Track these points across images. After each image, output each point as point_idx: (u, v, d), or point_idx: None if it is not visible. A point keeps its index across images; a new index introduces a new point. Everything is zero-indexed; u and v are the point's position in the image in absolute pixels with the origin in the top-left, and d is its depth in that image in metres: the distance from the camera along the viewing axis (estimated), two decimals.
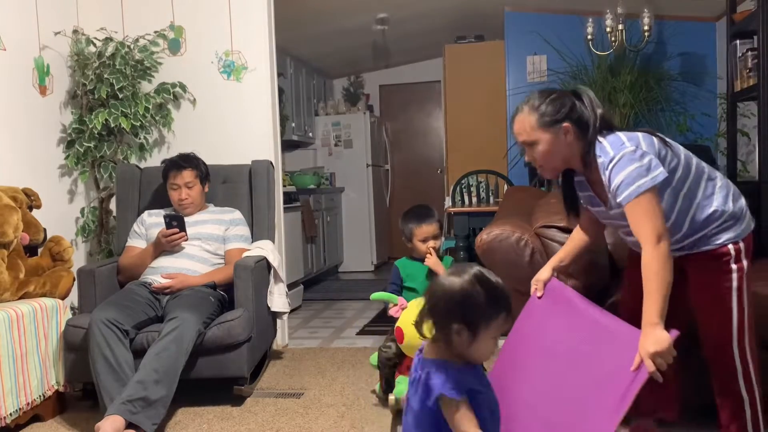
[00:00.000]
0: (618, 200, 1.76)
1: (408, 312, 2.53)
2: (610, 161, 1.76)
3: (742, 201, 1.90)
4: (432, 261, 2.77)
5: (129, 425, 2.37)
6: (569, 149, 1.86)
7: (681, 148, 1.87)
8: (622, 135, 1.79)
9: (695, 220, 1.85)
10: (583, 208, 2.06)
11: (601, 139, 1.82)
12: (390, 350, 2.65)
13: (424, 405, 1.42)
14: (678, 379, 2.05)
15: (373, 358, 2.81)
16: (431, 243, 2.78)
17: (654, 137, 1.82)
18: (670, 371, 1.83)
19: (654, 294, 1.69)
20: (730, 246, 1.84)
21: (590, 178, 1.93)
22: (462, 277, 1.43)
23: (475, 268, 1.46)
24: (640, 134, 1.80)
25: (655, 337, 1.64)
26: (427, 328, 1.46)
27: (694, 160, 1.88)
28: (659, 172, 1.73)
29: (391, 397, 2.55)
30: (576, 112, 1.84)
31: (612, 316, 1.86)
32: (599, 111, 1.86)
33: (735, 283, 1.85)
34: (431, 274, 2.78)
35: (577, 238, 2.13)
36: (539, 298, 2.05)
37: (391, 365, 2.66)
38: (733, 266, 1.85)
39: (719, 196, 1.86)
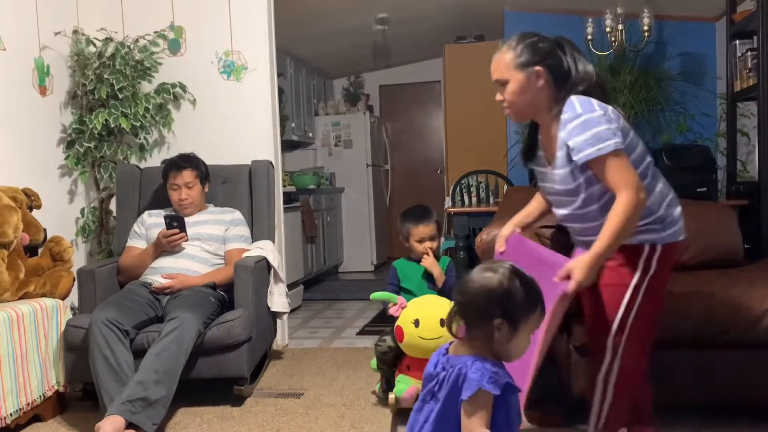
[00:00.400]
0: (576, 157, 1.74)
1: (408, 311, 2.53)
2: (576, 117, 1.75)
3: (678, 211, 1.87)
4: (428, 262, 2.77)
5: (129, 425, 2.37)
6: (538, 95, 1.83)
7: (641, 141, 1.88)
8: (594, 101, 1.77)
9: None
10: None
11: (573, 97, 1.79)
12: (384, 344, 2.65)
13: (454, 401, 1.39)
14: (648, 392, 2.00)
15: (374, 362, 2.82)
16: (428, 244, 2.78)
17: (621, 116, 1.82)
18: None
19: (612, 233, 1.70)
20: (647, 246, 1.82)
21: (546, 134, 1.91)
22: (498, 273, 1.42)
23: (507, 264, 1.46)
24: (610, 107, 1.79)
25: (589, 263, 1.69)
26: (456, 326, 1.45)
27: (649, 157, 1.88)
28: (620, 139, 1.74)
29: (391, 396, 2.55)
30: (553, 60, 1.82)
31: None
32: (583, 68, 1.83)
33: (635, 281, 1.82)
34: (427, 275, 2.78)
35: (540, 199, 2.12)
36: (501, 253, 2.04)
37: (387, 360, 2.66)
38: (641, 265, 1.82)
39: (657, 196, 1.84)
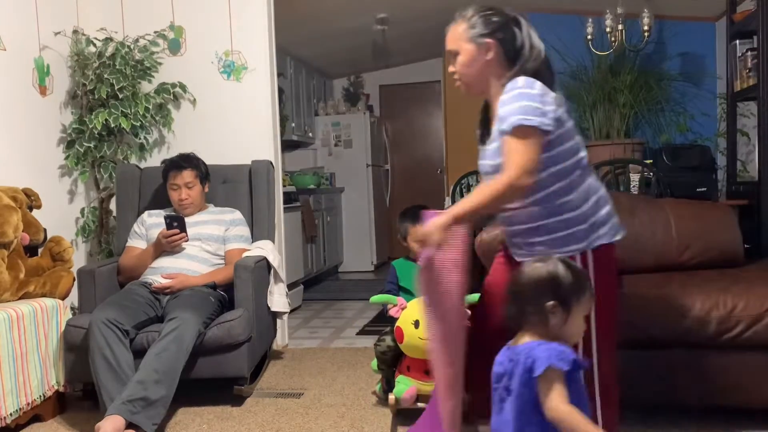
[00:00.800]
0: (500, 127, 1.70)
1: (408, 312, 2.53)
2: (513, 89, 1.70)
3: (606, 210, 1.79)
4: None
5: (129, 425, 2.37)
6: (486, 68, 1.80)
7: (578, 136, 1.80)
8: (539, 83, 1.72)
9: (550, 200, 1.75)
10: None
11: (521, 76, 1.73)
12: (384, 344, 2.65)
13: (529, 386, 1.44)
14: None
15: (374, 363, 2.81)
16: None
17: (563, 105, 1.77)
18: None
19: (475, 200, 1.69)
20: (577, 256, 1.73)
21: (494, 111, 1.83)
22: (546, 263, 1.52)
23: (555, 256, 1.56)
24: (554, 93, 1.74)
25: (438, 228, 1.68)
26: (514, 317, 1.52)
27: (582, 153, 1.79)
28: (549, 122, 1.67)
29: (392, 397, 2.55)
30: (505, 34, 1.78)
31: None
32: (538, 47, 1.79)
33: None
34: (408, 273, 2.79)
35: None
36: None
37: (386, 360, 2.66)
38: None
39: (581, 193, 1.76)
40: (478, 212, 1.72)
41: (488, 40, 1.78)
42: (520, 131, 1.65)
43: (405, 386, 2.51)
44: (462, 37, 1.81)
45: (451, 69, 1.87)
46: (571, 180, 1.75)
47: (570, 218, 1.75)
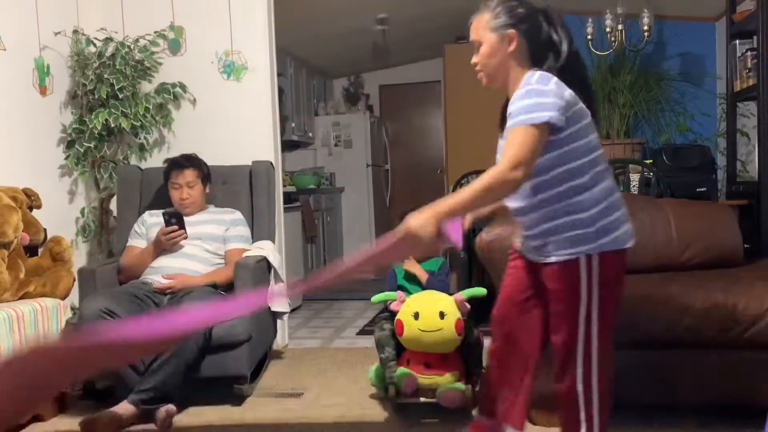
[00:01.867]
0: (509, 123, 1.66)
1: (408, 304, 2.54)
2: (527, 84, 1.66)
3: (616, 215, 1.73)
4: (408, 264, 2.81)
5: (143, 411, 2.50)
6: (507, 60, 1.75)
7: (594, 137, 1.74)
8: (555, 78, 1.66)
9: (560, 199, 1.71)
10: None
11: (538, 71, 1.69)
12: (384, 331, 2.66)
13: None
14: (529, 391, 1.95)
15: (372, 373, 2.81)
16: None
17: (579, 103, 1.70)
18: (525, 382, 1.87)
19: (464, 197, 1.62)
20: (582, 258, 1.69)
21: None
22: None
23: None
24: (570, 90, 1.67)
25: (424, 219, 1.61)
26: None
27: (596, 154, 1.73)
28: (556, 118, 1.61)
29: (392, 388, 2.56)
30: (529, 25, 1.73)
31: None
32: (565, 45, 1.72)
33: (584, 296, 1.71)
34: (409, 276, 2.82)
35: None
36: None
37: (389, 341, 2.64)
38: (583, 277, 1.70)
39: (595, 194, 1.70)
40: (468, 206, 1.67)
41: (510, 30, 1.73)
42: (526, 127, 1.61)
43: (405, 373, 2.51)
44: (485, 26, 1.76)
45: (473, 60, 1.81)
46: (583, 180, 1.70)
47: (578, 220, 1.70)
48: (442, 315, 2.45)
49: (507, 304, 1.95)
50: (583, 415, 1.75)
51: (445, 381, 2.52)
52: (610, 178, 1.77)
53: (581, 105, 1.71)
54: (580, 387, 1.75)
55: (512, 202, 1.82)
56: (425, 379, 2.51)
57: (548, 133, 1.64)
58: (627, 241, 1.75)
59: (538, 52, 1.73)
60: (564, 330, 1.76)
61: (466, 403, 2.49)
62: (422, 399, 2.55)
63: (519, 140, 1.61)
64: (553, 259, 1.74)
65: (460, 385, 2.51)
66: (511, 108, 1.67)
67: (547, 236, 1.75)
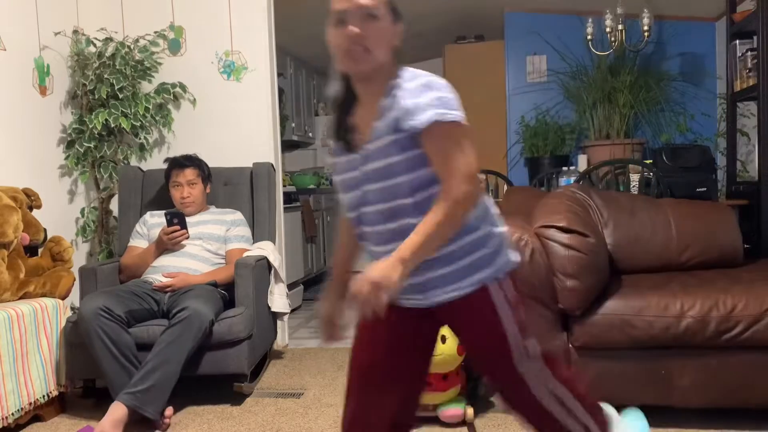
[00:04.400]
0: (413, 120, 1.33)
1: None
2: (415, 78, 1.41)
3: (503, 229, 1.47)
4: None
5: (134, 413, 2.44)
6: (390, 47, 1.49)
7: None
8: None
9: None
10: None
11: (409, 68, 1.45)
12: None
13: None
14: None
15: None
16: None
17: None
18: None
19: (424, 236, 1.29)
20: (489, 285, 1.40)
21: (367, 106, 1.49)
22: None
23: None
24: None
25: (388, 269, 1.27)
26: None
27: None
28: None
29: None
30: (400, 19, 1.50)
31: None
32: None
33: (506, 326, 1.42)
34: None
35: (347, 235, 1.71)
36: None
37: None
38: (498, 304, 1.41)
39: (482, 206, 1.43)
40: (432, 248, 1.33)
41: (400, 21, 1.50)
42: (454, 126, 1.34)
43: None
44: (386, 3, 1.48)
45: (353, 30, 1.46)
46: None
47: (469, 242, 1.39)
48: (444, 339, 2.38)
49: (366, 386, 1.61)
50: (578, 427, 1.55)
51: (445, 398, 2.49)
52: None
53: None
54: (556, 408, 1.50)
55: (367, 207, 1.49)
56: (425, 398, 2.44)
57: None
58: (515, 258, 1.48)
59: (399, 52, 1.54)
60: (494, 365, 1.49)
61: (467, 418, 2.48)
62: (422, 414, 2.49)
63: (458, 146, 1.36)
64: (452, 293, 1.41)
65: (461, 403, 2.49)
66: (411, 102, 1.38)
67: (433, 270, 1.40)
